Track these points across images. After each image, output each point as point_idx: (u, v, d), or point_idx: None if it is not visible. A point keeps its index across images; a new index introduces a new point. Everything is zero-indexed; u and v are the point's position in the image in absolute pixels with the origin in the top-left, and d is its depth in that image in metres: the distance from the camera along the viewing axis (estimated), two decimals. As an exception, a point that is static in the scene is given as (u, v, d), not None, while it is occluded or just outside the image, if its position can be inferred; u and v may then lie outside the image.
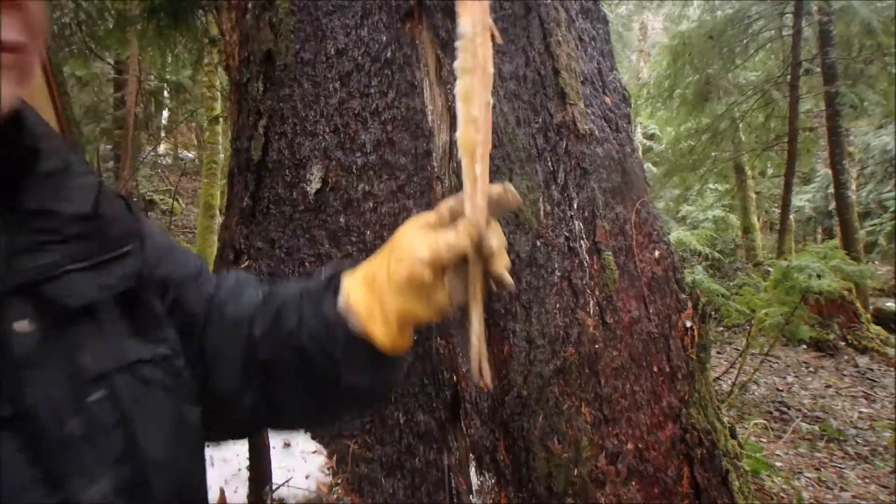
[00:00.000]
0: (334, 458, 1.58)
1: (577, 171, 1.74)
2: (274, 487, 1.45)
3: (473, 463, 1.55)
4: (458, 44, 0.50)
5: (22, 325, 0.42)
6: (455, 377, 1.58)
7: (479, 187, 0.51)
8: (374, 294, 0.54)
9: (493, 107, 1.84)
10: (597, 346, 1.61)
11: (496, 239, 0.52)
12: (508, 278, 0.54)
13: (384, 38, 1.70)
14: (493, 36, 0.51)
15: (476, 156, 0.52)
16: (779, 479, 2.99)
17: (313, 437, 1.63)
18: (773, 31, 8.88)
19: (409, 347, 0.59)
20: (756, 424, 3.84)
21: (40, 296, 0.43)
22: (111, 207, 0.51)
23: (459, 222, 0.51)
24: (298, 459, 1.56)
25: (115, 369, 0.47)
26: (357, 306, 0.55)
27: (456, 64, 0.50)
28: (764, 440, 3.71)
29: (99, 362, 0.46)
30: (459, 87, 0.51)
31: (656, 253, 1.83)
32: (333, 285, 0.57)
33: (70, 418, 0.43)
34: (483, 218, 0.51)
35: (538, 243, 1.64)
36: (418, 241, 0.52)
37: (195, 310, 0.59)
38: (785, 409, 4.36)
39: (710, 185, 11.59)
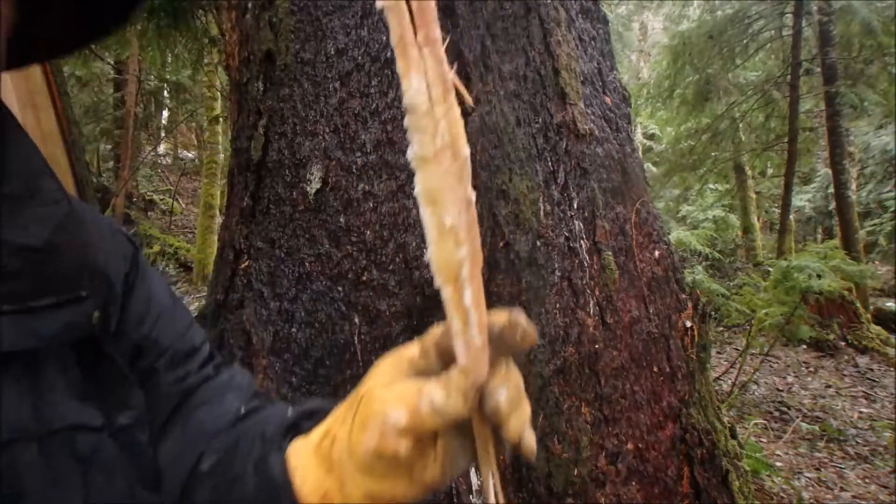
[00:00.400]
0: (334, 458, 1.58)
1: (577, 171, 1.74)
2: (274, 487, 1.44)
3: (473, 463, 1.54)
4: (407, 122, 0.35)
5: None
6: (455, 377, 1.58)
7: (472, 321, 0.36)
8: (332, 472, 0.39)
9: (493, 107, 1.84)
10: (597, 346, 1.61)
11: (506, 390, 0.37)
12: (530, 443, 0.38)
13: (384, 38, 1.70)
14: (459, 96, 0.35)
15: (461, 280, 0.35)
16: (779, 479, 2.99)
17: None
18: (773, 31, 8.88)
19: None
20: (756, 424, 3.84)
21: None
22: (75, 243, 0.44)
23: (451, 373, 0.36)
24: (298, 459, 1.56)
25: (32, 434, 0.38)
26: (303, 487, 0.40)
27: (410, 153, 0.36)
28: (764, 440, 3.71)
29: (12, 423, 0.37)
30: (421, 186, 0.36)
31: (656, 253, 1.83)
32: (290, 436, 0.46)
33: None
34: (483, 363, 0.36)
35: (538, 243, 1.64)
36: (393, 397, 0.37)
37: (167, 393, 0.51)
38: (785, 409, 4.36)
39: (710, 185, 11.59)
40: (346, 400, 0.42)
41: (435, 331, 0.40)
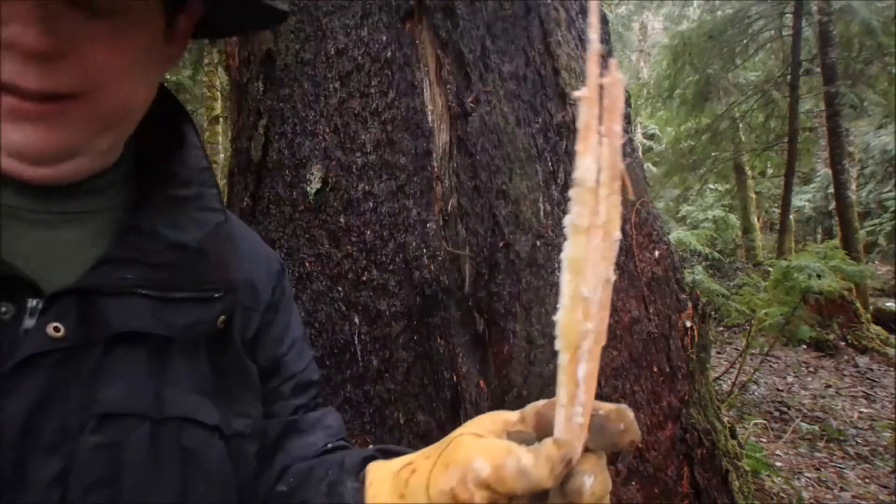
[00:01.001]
0: (334, 458, 1.58)
1: (577, 171, 1.74)
2: (274, 487, 1.44)
3: None
4: (572, 193, 0.37)
5: (54, 329, 0.39)
6: (455, 377, 1.58)
7: (579, 397, 0.36)
8: (403, 500, 0.41)
9: (493, 107, 1.84)
10: (597, 346, 1.61)
11: (591, 478, 0.36)
12: None
13: (384, 38, 1.70)
14: (624, 185, 0.37)
15: (581, 352, 0.36)
16: (779, 479, 2.99)
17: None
18: (773, 31, 8.88)
19: None
20: (756, 424, 3.84)
21: (91, 306, 0.40)
22: (221, 250, 0.48)
23: (545, 442, 0.36)
24: (298, 459, 1.56)
25: (147, 414, 0.41)
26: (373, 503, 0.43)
27: (567, 220, 0.37)
28: (764, 440, 3.71)
29: (118, 401, 0.40)
30: (569, 252, 0.37)
31: (656, 253, 1.83)
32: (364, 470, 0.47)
33: (43, 455, 0.37)
34: (578, 441, 0.36)
35: (538, 243, 1.64)
36: (481, 447, 0.38)
37: (282, 417, 0.54)
38: (785, 409, 4.36)
39: (710, 185, 11.59)
40: (440, 443, 0.43)
41: (539, 402, 0.42)
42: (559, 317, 0.37)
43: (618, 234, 0.37)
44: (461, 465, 0.37)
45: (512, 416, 0.42)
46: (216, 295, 0.46)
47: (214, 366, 0.47)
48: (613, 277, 0.38)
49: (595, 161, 0.37)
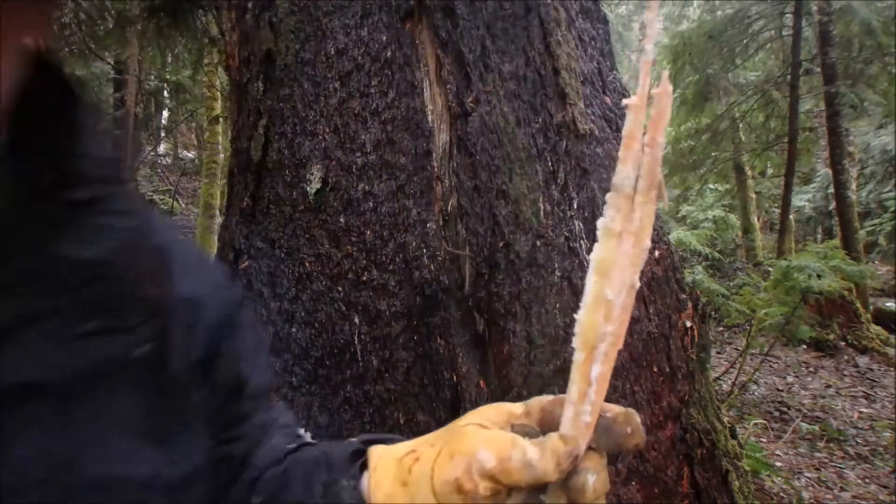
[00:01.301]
0: (334, 458, 1.58)
1: (577, 171, 1.74)
2: (274, 487, 1.44)
3: None
4: (609, 197, 0.38)
5: None
6: (455, 377, 1.58)
7: (590, 395, 0.38)
8: (406, 487, 0.40)
9: (493, 107, 1.84)
10: (597, 346, 1.61)
11: (594, 476, 0.37)
12: None
13: (384, 38, 1.70)
14: (660, 194, 0.38)
15: (597, 353, 0.38)
16: (779, 479, 2.99)
17: (313, 437, 1.63)
18: (773, 31, 8.88)
19: None
20: (756, 424, 3.84)
21: None
22: (144, 264, 0.40)
23: (550, 436, 0.37)
24: (298, 459, 1.56)
25: (45, 483, 0.32)
26: (376, 489, 0.41)
27: (600, 222, 0.38)
28: (764, 440, 3.71)
29: (16, 473, 0.32)
30: (598, 254, 0.38)
31: (656, 253, 1.83)
32: (360, 462, 0.45)
33: None
34: (584, 439, 0.37)
35: (538, 243, 1.64)
36: (487, 438, 0.38)
37: (248, 435, 0.49)
38: (785, 409, 4.36)
39: (710, 185, 11.59)
40: (441, 430, 0.43)
41: (544, 398, 0.41)
42: (580, 315, 0.39)
43: (648, 243, 0.38)
44: (466, 456, 0.37)
45: (516, 408, 0.42)
46: (135, 321, 0.38)
47: (146, 402, 0.38)
48: (638, 284, 0.38)
49: (635, 168, 0.38)
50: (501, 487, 0.36)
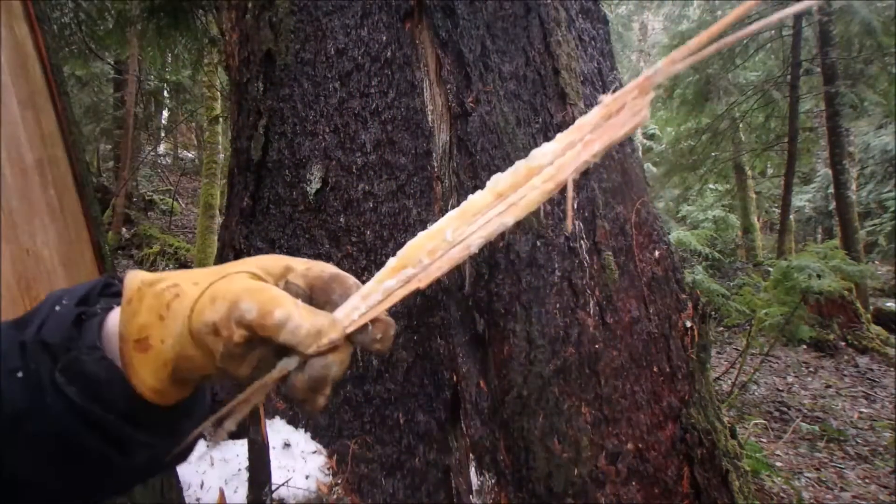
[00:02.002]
0: (334, 458, 1.58)
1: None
2: (274, 487, 1.44)
3: (473, 463, 1.55)
4: (518, 162, 0.40)
5: None
6: (455, 377, 1.58)
7: (371, 300, 0.39)
8: (163, 321, 0.38)
9: (493, 107, 1.83)
10: (597, 346, 1.61)
11: (337, 368, 0.38)
12: (317, 406, 0.39)
13: (384, 38, 1.70)
14: (562, 192, 0.40)
15: (405, 273, 0.39)
16: (779, 479, 2.99)
17: (313, 437, 1.63)
18: (773, 31, 8.88)
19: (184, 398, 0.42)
20: (756, 424, 3.84)
21: None
22: None
23: (322, 314, 0.38)
24: (298, 459, 1.56)
25: None
26: (130, 321, 0.39)
27: (494, 176, 0.40)
28: (764, 440, 3.71)
29: None
30: (472, 198, 0.41)
31: (656, 253, 1.83)
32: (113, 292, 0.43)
33: None
34: (347, 330, 0.38)
35: (538, 243, 1.64)
36: (254, 289, 0.37)
37: None
38: (785, 409, 4.36)
39: (710, 185, 11.59)
40: (211, 267, 0.42)
41: (329, 267, 0.42)
42: (419, 234, 0.40)
43: (509, 222, 0.40)
44: (229, 302, 0.37)
45: (297, 264, 0.42)
46: None
47: None
48: (474, 251, 0.40)
49: (558, 148, 0.40)
50: (255, 338, 0.37)
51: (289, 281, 0.41)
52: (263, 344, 0.38)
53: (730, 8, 8.91)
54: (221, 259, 1.89)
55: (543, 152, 0.40)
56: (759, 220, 12.20)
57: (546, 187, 0.39)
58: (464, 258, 0.40)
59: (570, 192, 0.39)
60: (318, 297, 0.41)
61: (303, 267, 0.42)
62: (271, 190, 1.76)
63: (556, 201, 1.70)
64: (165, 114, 12.03)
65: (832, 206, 9.32)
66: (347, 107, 1.70)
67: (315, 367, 0.37)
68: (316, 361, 0.37)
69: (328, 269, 0.42)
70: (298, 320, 0.36)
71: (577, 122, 0.39)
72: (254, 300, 0.37)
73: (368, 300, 0.39)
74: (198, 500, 1.44)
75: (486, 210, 0.39)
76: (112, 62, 8.49)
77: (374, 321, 0.39)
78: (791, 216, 9.67)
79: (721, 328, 6.31)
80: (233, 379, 0.39)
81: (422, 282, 0.39)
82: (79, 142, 1.20)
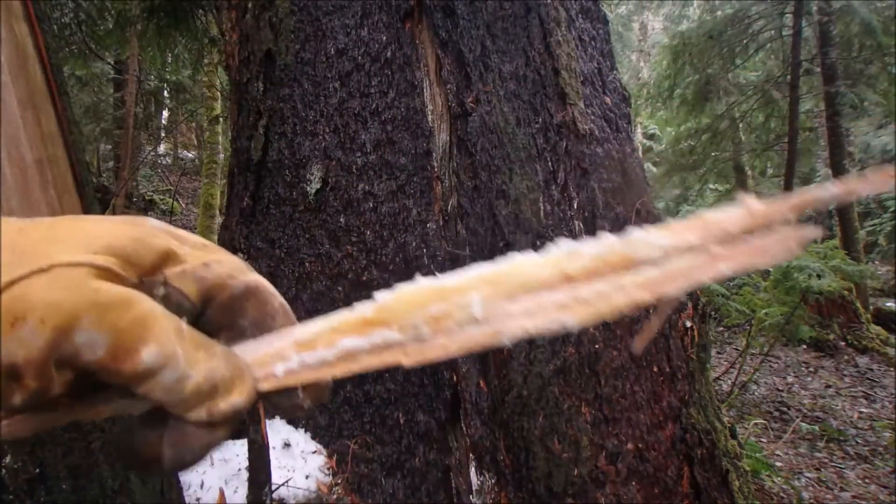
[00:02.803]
0: (334, 458, 1.58)
1: (577, 171, 1.74)
2: (274, 487, 1.45)
3: (473, 463, 1.55)
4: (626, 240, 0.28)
5: None
6: (455, 377, 1.58)
7: (332, 368, 0.27)
8: None
9: (493, 107, 1.84)
10: (597, 346, 1.61)
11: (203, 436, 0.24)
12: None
13: (384, 38, 1.70)
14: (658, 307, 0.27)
15: (375, 335, 0.26)
16: (779, 479, 2.99)
17: (313, 437, 1.63)
18: (773, 31, 8.88)
19: None
20: (756, 424, 3.84)
21: None
22: None
23: (223, 350, 0.24)
24: (298, 459, 1.56)
25: None
26: None
27: (572, 254, 0.28)
28: (764, 440, 3.71)
29: None
30: (519, 271, 0.27)
31: (656, 253, 1.83)
32: None
33: None
34: (255, 392, 0.25)
35: (538, 243, 1.64)
36: (108, 304, 0.21)
37: None
38: (785, 409, 4.36)
39: (710, 185, 11.59)
40: (11, 236, 0.23)
41: (246, 271, 0.26)
42: (421, 283, 0.27)
43: (586, 323, 0.27)
44: (52, 329, 0.20)
45: (185, 252, 0.25)
46: None
47: None
48: (532, 335, 0.27)
49: (665, 251, 0.28)
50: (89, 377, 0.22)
51: (168, 281, 0.25)
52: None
53: (730, 8, 8.92)
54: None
55: (650, 242, 0.27)
56: (759, 220, 12.18)
57: (639, 295, 0.27)
58: (486, 345, 0.27)
59: (659, 318, 0.28)
60: (217, 316, 0.26)
61: (197, 260, 0.25)
62: (271, 190, 1.76)
63: (556, 200, 1.70)
64: (165, 114, 12.03)
65: (832, 206, 9.32)
66: (347, 107, 1.70)
67: (192, 438, 0.23)
68: (196, 432, 0.23)
69: (243, 274, 0.26)
70: (182, 368, 0.22)
71: (709, 216, 0.27)
72: (102, 326, 0.21)
73: (309, 352, 0.26)
74: (198, 500, 1.44)
75: (539, 290, 0.27)
76: (112, 62, 8.49)
77: (307, 385, 0.26)
78: (791, 216, 9.65)
79: (721, 328, 6.31)
80: None
81: (408, 357, 0.26)
82: (79, 142, 1.20)
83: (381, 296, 0.27)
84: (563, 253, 0.27)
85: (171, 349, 0.22)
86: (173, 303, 0.24)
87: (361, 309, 0.27)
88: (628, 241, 0.28)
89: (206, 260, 0.26)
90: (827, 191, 0.27)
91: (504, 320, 0.27)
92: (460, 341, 0.27)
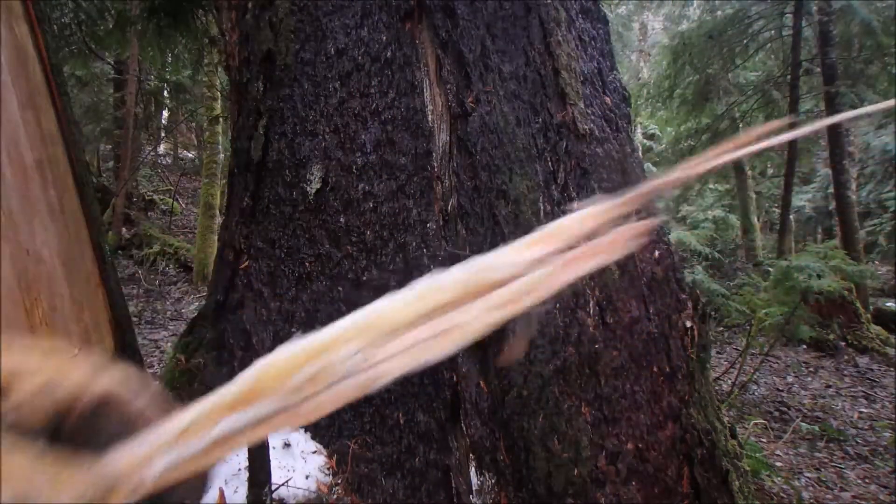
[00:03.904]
0: (334, 458, 1.58)
1: (577, 171, 1.74)
2: (274, 487, 1.45)
3: (473, 463, 1.55)
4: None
5: None
6: (455, 377, 1.58)
7: (206, 456, 0.25)
8: None
9: (493, 107, 1.84)
10: (597, 346, 1.61)
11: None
12: None
13: (384, 38, 1.70)
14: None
15: (278, 404, 0.25)
16: (779, 479, 2.99)
17: (313, 437, 1.63)
18: (773, 31, 8.88)
19: None
20: (756, 424, 3.84)
21: None
22: None
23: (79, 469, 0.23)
24: (298, 459, 1.56)
25: None
26: None
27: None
28: (764, 440, 3.71)
29: None
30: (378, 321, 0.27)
31: (656, 253, 1.83)
32: None
33: None
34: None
35: (538, 243, 1.64)
36: None
37: None
38: (785, 409, 4.35)
39: (710, 185, 11.59)
40: None
41: (100, 377, 0.23)
42: (285, 350, 0.24)
43: (462, 346, 0.27)
44: None
45: (28, 377, 0.22)
46: None
47: None
48: (416, 369, 0.27)
49: (520, 268, 0.27)
50: None
51: (17, 405, 0.24)
52: None
53: (730, 8, 8.92)
54: (222, 259, 1.89)
55: (505, 262, 0.28)
56: (759, 220, 12.20)
57: (505, 311, 0.27)
58: (365, 391, 0.26)
59: (521, 338, 0.28)
60: (78, 427, 0.24)
61: (46, 375, 0.23)
62: (271, 190, 1.76)
63: (556, 200, 1.70)
64: (165, 114, 12.04)
65: (832, 206, 9.32)
66: (347, 107, 1.69)
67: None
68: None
69: (97, 380, 0.24)
70: (44, 501, 0.21)
71: (552, 226, 0.27)
72: None
73: (188, 442, 0.24)
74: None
75: (413, 325, 0.27)
76: (112, 62, 8.49)
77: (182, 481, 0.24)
78: (791, 216, 9.67)
79: (721, 328, 6.31)
80: None
81: (294, 419, 0.25)
82: (79, 142, 1.20)
83: (256, 366, 0.26)
84: (426, 288, 0.28)
85: (23, 489, 0.19)
86: (26, 426, 0.22)
87: (236, 385, 0.26)
88: (484, 265, 0.28)
89: (55, 374, 0.23)
90: (663, 180, 0.30)
91: (379, 365, 0.27)
92: (341, 393, 0.26)
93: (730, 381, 4.39)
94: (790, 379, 5.20)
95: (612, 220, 0.27)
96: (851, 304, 6.25)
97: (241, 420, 0.24)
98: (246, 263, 1.75)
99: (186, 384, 1.71)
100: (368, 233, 1.65)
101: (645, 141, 13.74)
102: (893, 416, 4.21)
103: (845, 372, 5.44)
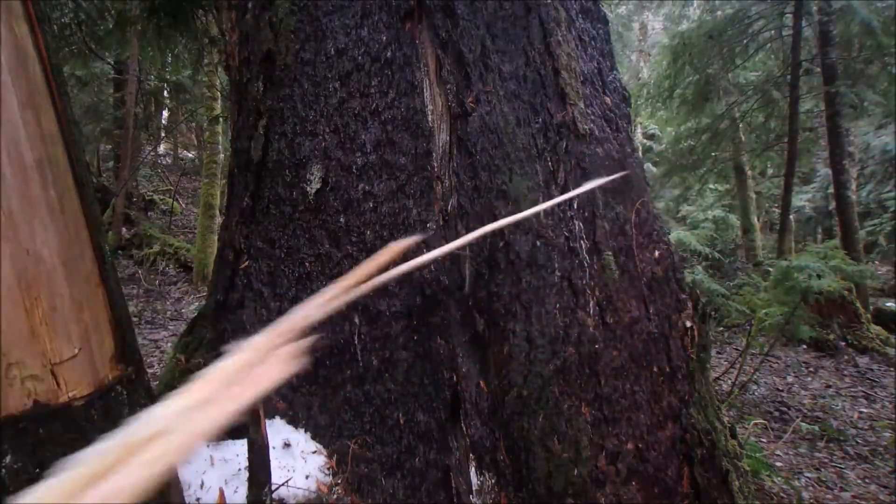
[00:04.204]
0: (334, 458, 1.58)
1: (577, 171, 1.74)
2: (274, 487, 1.45)
3: (473, 463, 1.55)
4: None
5: None
6: (455, 377, 1.58)
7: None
8: None
9: (493, 107, 1.84)
10: (597, 346, 1.61)
11: None
12: None
13: (384, 38, 1.70)
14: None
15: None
16: (779, 479, 2.99)
17: (313, 437, 1.63)
18: (773, 31, 8.88)
19: None
20: (756, 424, 3.83)
21: None
22: None
23: None
24: (298, 459, 1.56)
25: None
26: None
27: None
28: (764, 440, 3.71)
29: None
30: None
31: (656, 253, 1.83)
32: None
33: None
34: None
35: (538, 243, 1.64)
36: None
37: None
38: (785, 409, 4.35)
39: (710, 185, 11.60)
40: None
41: None
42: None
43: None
44: None
45: None
46: None
47: None
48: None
49: (171, 419, 0.30)
50: None
51: None
52: None
53: (729, 8, 8.93)
54: (222, 259, 1.89)
55: (156, 417, 0.30)
56: (759, 220, 12.20)
57: (162, 462, 0.29)
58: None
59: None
60: None
61: None
62: (271, 190, 1.76)
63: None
64: (165, 114, 12.05)
65: (832, 206, 9.33)
66: (347, 107, 1.69)
67: None
68: None
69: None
70: None
71: (215, 370, 0.33)
72: None
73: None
74: (198, 500, 1.44)
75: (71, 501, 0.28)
76: (112, 62, 8.49)
77: None
78: (791, 216, 9.67)
79: (721, 328, 6.31)
80: None
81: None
82: (79, 142, 1.20)
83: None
84: (80, 462, 0.29)
85: None
86: None
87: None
88: (136, 425, 0.29)
89: None
90: (313, 309, 0.34)
91: None
92: None
93: (730, 381, 4.39)
94: (790, 379, 5.20)
95: (269, 352, 0.29)
96: (851, 304, 6.25)
97: None
98: (246, 263, 1.75)
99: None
100: (368, 233, 1.65)
101: (645, 141, 13.74)
102: (893, 416, 4.22)
103: (845, 372, 5.44)
